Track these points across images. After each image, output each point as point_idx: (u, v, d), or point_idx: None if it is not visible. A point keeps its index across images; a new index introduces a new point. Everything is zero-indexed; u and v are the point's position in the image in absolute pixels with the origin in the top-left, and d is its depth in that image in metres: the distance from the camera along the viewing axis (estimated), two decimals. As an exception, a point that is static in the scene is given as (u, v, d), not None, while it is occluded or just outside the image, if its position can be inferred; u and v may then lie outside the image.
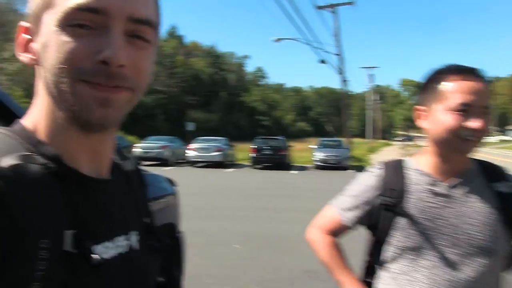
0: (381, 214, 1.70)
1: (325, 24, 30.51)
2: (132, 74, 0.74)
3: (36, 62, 0.78)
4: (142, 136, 32.62)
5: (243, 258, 6.87)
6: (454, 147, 1.57)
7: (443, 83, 1.58)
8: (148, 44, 0.78)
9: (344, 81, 33.36)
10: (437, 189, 1.64)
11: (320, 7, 31.53)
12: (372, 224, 1.76)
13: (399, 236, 1.65)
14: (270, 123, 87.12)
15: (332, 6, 32.38)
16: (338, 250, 1.87)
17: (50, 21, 0.73)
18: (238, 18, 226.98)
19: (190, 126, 31.76)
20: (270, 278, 6.05)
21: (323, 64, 28.86)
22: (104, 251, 0.76)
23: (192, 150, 25.94)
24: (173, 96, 65.42)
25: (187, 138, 30.27)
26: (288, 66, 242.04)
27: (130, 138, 32.59)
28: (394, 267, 1.68)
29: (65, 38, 0.71)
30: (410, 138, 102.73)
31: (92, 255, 0.71)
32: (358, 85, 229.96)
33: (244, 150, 31.07)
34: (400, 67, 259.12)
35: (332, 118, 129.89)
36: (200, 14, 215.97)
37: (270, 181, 19.28)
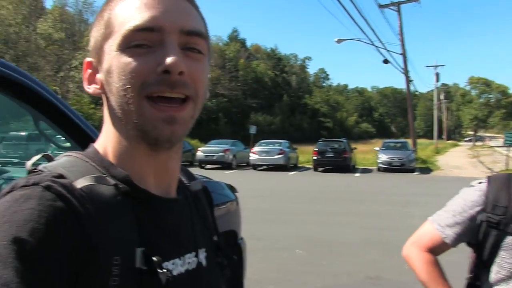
0: (486, 232, 1.61)
1: (388, 23, 30.11)
2: (191, 82, 0.79)
3: (102, 91, 0.85)
4: (204, 139, 33.18)
5: (304, 263, 6.86)
6: None
7: None
8: (201, 55, 0.83)
9: (409, 80, 32.59)
10: None
11: (383, 6, 30.96)
12: (476, 242, 1.66)
13: (507, 257, 1.56)
14: (333, 125, 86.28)
15: (395, 4, 31.73)
16: (438, 268, 1.73)
17: (111, 47, 0.79)
18: (299, 19, 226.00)
19: (252, 129, 31.93)
20: (331, 284, 6.02)
21: (386, 64, 28.28)
22: (173, 268, 0.80)
23: (255, 153, 26.11)
24: (235, 99, 65.93)
25: (249, 141, 30.48)
26: (351, 66, 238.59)
27: (193, 141, 33.23)
28: None
29: (126, 59, 0.77)
30: (479, 139, 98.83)
31: (161, 272, 0.74)
32: (424, 84, 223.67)
33: (307, 153, 30.94)
34: (468, 64, 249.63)
35: (396, 118, 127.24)
36: (261, 17, 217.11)
37: (333, 184, 19.12)
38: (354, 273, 6.46)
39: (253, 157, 26.15)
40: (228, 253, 1.01)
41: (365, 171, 26.31)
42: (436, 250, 1.75)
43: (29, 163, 0.83)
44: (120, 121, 0.81)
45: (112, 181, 0.77)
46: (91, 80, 0.87)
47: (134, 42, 0.77)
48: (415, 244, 1.81)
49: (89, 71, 0.87)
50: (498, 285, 1.60)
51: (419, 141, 46.97)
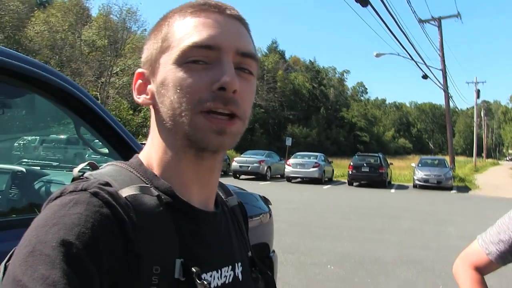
0: None
1: (428, 38, 29.74)
2: (241, 101, 0.82)
3: (151, 101, 0.87)
4: (240, 149, 33.31)
5: (336, 280, 6.77)
6: None
7: None
8: (251, 76, 0.86)
9: (448, 96, 32.03)
10: None
11: (423, 21, 30.60)
12: None
13: None
14: (370, 140, 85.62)
15: (436, 19, 31.34)
16: (482, 285, 1.71)
17: (167, 61, 0.82)
18: (338, 33, 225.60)
19: (288, 141, 31.90)
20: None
21: (425, 79, 27.87)
22: (210, 280, 0.81)
23: (289, 165, 26.08)
24: (272, 110, 66.24)
25: (285, 152, 30.46)
26: (390, 81, 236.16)
27: (228, 151, 33.39)
28: None
29: (183, 74, 0.79)
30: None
31: (200, 283, 0.75)
32: (464, 101, 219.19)
33: (342, 167, 30.75)
34: (510, 81, 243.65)
35: (434, 135, 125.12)
36: (300, 29, 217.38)
37: (367, 199, 18.87)
38: (386, 291, 6.33)
39: (288, 169, 26.13)
40: (263, 269, 1.02)
41: (401, 187, 25.93)
42: (482, 267, 1.72)
43: (76, 170, 0.86)
44: (169, 131, 0.84)
45: (156, 192, 0.79)
46: (141, 90, 0.90)
47: (191, 58, 0.80)
48: (463, 260, 1.78)
49: (140, 81, 0.90)
50: None
51: (458, 158, 46.02)
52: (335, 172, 29.99)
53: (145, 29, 44.10)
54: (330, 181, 27.92)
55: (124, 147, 2.27)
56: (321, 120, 75.62)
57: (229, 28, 0.83)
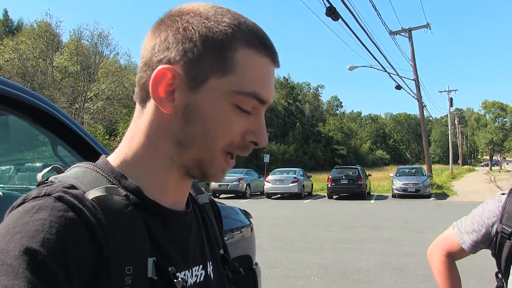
0: (501, 243, 1.65)
1: (400, 49, 30.24)
2: None
3: (175, 111, 0.80)
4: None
5: (321, 290, 6.79)
6: None
7: None
8: None
9: (422, 106, 32.53)
10: None
11: (394, 32, 31.14)
12: (494, 252, 1.72)
13: None
14: (347, 153, 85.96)
15: (406, 30, 31.91)
16: (452, 272, 1.82)
17: (222, 88, 0.77)
18: (312, 48, 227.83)
19: (266, 158, 31.93)
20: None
21: (399, 90, 28.28)
22: (183, 279, 0.78)
23: (269, 182, 26.06)
24: (249, 128, 66.09)
25: (263, 170, 30.47)
26: (364, 93, 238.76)
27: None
28: None
29: (232, 113, 0.78)
30: (496, 163, 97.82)
31: (177, 281, 0.75)
32: (437, 109, 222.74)
33: (321, 181, 30.83)
34: (481, 88, 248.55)
35: (411, 145, 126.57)
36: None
37: (347, 211, 18.97)
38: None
39: (267, 185, 26.10)
40: (236, 267, 1.01)
41: (380, 197, 26.09)
42: (454, 254, 1.83)
43: (39, 175, 0.82)
44: (174, 151, 0.81)
45: (123, 192, 0.77)
46: (165, 91, 0.79)
47: (244, 106, 0.79)
48: (438, 246, 1.89)
49: (170, 82, 0.79)
50: None
51: (435, 166, 46.55)
52: (314, 186, 30.05)
53: (117, 52, 43.79)
54: (309, 195, 27.95)
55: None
56: (297, 136, 75.78)
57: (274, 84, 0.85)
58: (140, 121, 0.84)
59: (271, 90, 0.81)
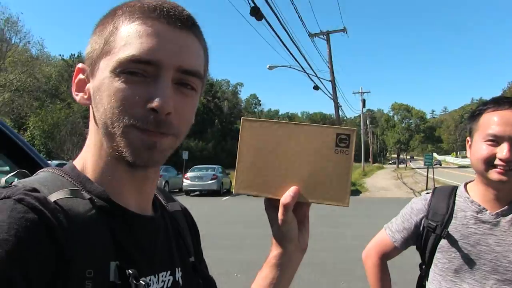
0: (427, 237, 1.80)
1: (319, 51, 30.96)
2: (176, 121, 0.80)
3: (89, 102, 0.84)
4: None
5: (243, 287, 6.84)
6: (486, 175, 1.63)
7: (482, 114, 1.65)
8: (194, 92, 0.85)
9: (338, 106, 33.57)
10: (482, 216, 1.70)
11: (312, 35, 31.87)
12: (420, 245, 1.86)
13: (442, 258, 1.74)
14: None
15: (324, 33, 32.78)
16: (382, 272, 1.98)
17: (106, 67, 0.78)
18: (232, 45, 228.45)
19: (185, 155, 31.66)
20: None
21: (317, 90, 28.96)
22: (147, 283, 0.78)
23: (187, 179, 25.93)
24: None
25: (182, 167, 30.21)
26: (283, 92, 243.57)
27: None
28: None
29: (119, 85, 0.76)
30: (402, 161, 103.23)
31: (139, 284, 0.74)
32: (352, 110, 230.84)
33: (240, 178, 30.90)
34: (391, 91, 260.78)
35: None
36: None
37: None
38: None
39: (186, 182, 25.98)
40: (205, 274, 1.03)
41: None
42: (388, 253, 1.98)
43: (3, 180, 0.81)
44: (103, 138, 0.81)
45: (87, 195, 0.76)
46: (80, 87, 0.87)
47: (128, 69, 0.77)
48: (371, 249, 2.03)
49: (81, 76, 0.87)
50: (433, 283, 1.79)
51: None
52: (233, 184, 30.09)
53: (29, 41, 41.38)
54: (228, 192, 28.04)
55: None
56: (216, 133, 75.75)
57: (174, 40, 0.79)
58: (90, 121, 0.87)
59: (155, 48, 0.77)
